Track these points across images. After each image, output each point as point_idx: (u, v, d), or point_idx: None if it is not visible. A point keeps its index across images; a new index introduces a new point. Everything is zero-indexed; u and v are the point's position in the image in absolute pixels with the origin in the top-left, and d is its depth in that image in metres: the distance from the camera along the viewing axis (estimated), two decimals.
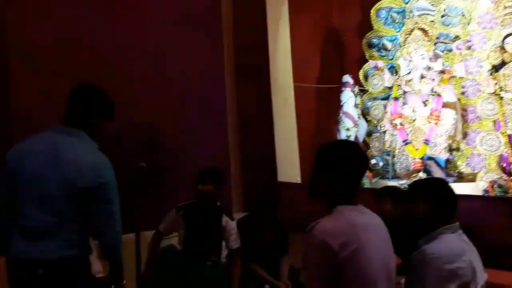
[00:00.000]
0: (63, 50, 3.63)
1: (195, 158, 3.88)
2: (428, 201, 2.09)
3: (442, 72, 5.17)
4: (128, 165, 3.30)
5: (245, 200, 4.93)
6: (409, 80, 5.34)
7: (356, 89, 5.92)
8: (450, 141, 5.07)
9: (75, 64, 3.66)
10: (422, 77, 5.22)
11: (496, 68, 4.86)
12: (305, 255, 1.66)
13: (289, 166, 4.94)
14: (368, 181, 5.63)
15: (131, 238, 3.42)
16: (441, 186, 2.17)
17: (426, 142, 5.09)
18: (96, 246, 2.12)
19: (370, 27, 5.76)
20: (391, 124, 5.45)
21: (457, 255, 1.96)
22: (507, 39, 4.77)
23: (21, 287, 1.96)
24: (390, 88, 5.68)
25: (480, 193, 4.57)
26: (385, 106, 5.69)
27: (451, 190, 2.14)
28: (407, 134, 5.29)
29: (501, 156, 4.81)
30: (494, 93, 4.85)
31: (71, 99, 2.08)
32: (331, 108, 6.08)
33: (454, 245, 2.00)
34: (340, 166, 1.71)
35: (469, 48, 5.04)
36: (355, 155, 1.74)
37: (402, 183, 5.22)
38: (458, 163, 5.06)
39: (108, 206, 1.98)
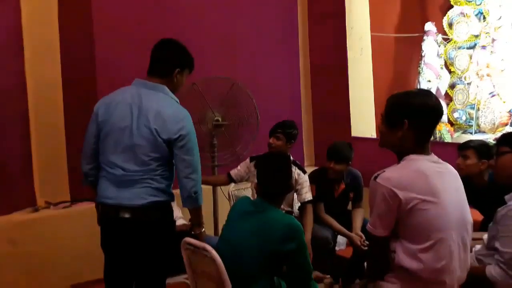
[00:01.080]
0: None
1: (268, 111, 3.91)
2: None
3: None
4: (204, 119, 3.44)
5: (316, 155, 4.93)
6: (499, 27, 4.90)
7: (440, 37, 5.54)
8: None
9: (156, 19, 3.79)
10: None
11: None
12: (371, 203, 1.66)
13: (364, 121, 4.81)
14: (449, 135, 5.37)
15: (209, 188, 3.60)
16: None
17: None
18: (176, 194, 2.23)
19: None
20: (477, 75, 5.09)
21: None
22: None
23: (110, 231, 2.15)
24: (477, 36, 5.26)
25: None
26: (471, 56, 5.30)
27: None
28: (494, 85, 4.92)
29: None
30: None
31: (154, 52, 2.20)
32: (412, 59, 5.76)
33: None
34: (409, 116, 1.67)
35: None
36: (426, 104, 1.68)
37: (487, 137, 4.94)
38: None
39: (188, 156, 2.08)
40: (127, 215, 2.06)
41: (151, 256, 2.12)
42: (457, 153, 2.80)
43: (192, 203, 2.16)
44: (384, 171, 1.67)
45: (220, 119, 3.46)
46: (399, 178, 1.64)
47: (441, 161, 1.76)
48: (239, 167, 3.24)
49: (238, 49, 4.29)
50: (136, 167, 2.06)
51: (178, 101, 2.20)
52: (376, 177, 1.67)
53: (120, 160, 2.08)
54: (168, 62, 2.19)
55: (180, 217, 3.10)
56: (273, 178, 2.13)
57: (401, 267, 1.64)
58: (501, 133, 2.16)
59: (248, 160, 3.20)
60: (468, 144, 2.77)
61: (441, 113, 1.74)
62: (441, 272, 1.61)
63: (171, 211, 2.21)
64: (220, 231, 2.38)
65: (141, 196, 2.05)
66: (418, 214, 1.59)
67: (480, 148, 2.71)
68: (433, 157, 1.74)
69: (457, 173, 1.79)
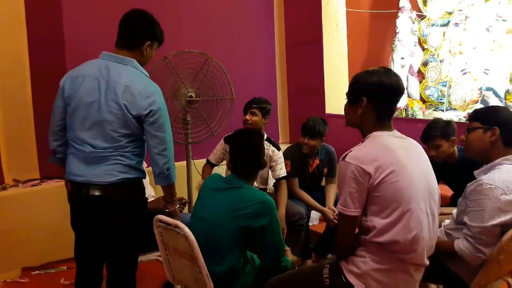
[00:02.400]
0: None
1: (243, 88, 3.88)
2: (492, 123, 1.99)
3: None
4: (177, 95, 3.37)
5: (291, 132, 4.94)
6: (472, 4, 4.95)
7: (414, 14, 5.57)
8: (511, 71, 4.75)
9: None
10: (486, 0, 4.82)
11: None
12: (340, 184, 1.68)
13: (338, 98, 4.82)
14: (421, 112, 5.45)
15: (183, 165, 3.57)
16: (503, 112, 2.05)
17: (486, 71, 4.79)
18: (149, 171, 2.18)
19: None
20: (450, 52, 5.15)
21: None
22: None
23: (80, 209, 2.10)
24: (451, 13, 5.31)
25: None
26: (444, 33, 5.36)
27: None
28: (466, 63, 5.00)
29: None
30: None
31: (123, 24, 2.11)
32: (386, 36, 5.79)
33: None
34: (367, 93, 1.72)
35: None
36: (383, 81, 1.71)
37: (457, 114, 5.03)
38: None
39: (160, 133, 2.02)
40: (97, 193, 2.01)
41: (122, 235, 2.08)
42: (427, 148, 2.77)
43: (165, 180, 2.11)
44: (351, 150, 1.70)
45: (193, 95, 3.40)
46: (366, 154, 1.66)
47: (404, 136, 1.80)
48: (215, 150, 3.20)
49: (213, 24, 4.20)
50: (105, 144, 2.00)
51: (148, 75, 2.12)
52: (344, 157, 1.69)
53: (89, 136, 2.01)
54: (138, 35, 2.09)
55: (153, 195, 3.07)
56: (246, 154, 2.11)
57: (371, 242, 1.66)
58: (472, 110, 2.20)
59: (222, 141, 3.17)
60: (432, 135, 2.73)
61: (399, 90, 1.76)
62: (412, 242, 1.65)
63: (142, 189, 2.16)
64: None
65: (110, 173, 2.00)
66: (387, 187, 1.62)
67: (444, 131, 2.71)
68: (396, 133, 1.78)
69: (419, 145, 1.83)
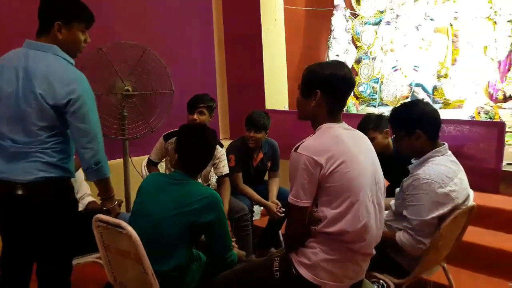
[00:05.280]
0: None
1: (182, 82, 3.78)
2: (413, 127, 2.07)
3: None
4: (113, 88, 3.22)
5: (231, 128, 4.91)
6: (403, 3, 5.17)
7: (348, 12, 5.73)
8: (439, 67, 5.02)
9: None
10: (415, 0, 5.06)
11: None
12: (292, 175, 1.67)
13: (277, 93, 4.86)
14: (354, 108, 5.63)
15: (120, 163, 3.42)
16: (416, 111, 2.12)
17: (416, 68, 5.04)
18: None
19: None
20: (382, 49, 5.35)
21: (449, 177, 2.00)
22: None
23: (2, 209, 1.91)
24: (383, 12, 5.52)
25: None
26: (376, 32, 5.56)
27: (433, 111, 2.13)
28: (397, 60, 5.22)
29: (488, 82, 4.79)
30: (488, 18, 4.74)
31: (40, 8, 1.91)
32: (322, 33, 5.91)
33: (445, 169, 2.02)
34: (321, 86, 1.72)
35: None
36: (336, 74, 1.72)
37: (389, 110, 5.24)
38: (446, 90, 5.05)
39: (84, 124, 1.84)
40: (19, 192, 1.83)
41: (48, 237, 1.91)
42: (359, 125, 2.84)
43: (95, 175, 1.93)
44: (303, 141, 1.69)
45: (130, 88, 3.26)
46: (318, 145, 1.67)
47: (352, 128, 1.83)
48: (155, 149, 3.08)
49: (150, 16, 4.06)
50: (26, 139, 1.82)
51: (73, 63, 1.93)
52: (296, 149, 1.68)
53: (8, 130, 1.83)
54: (46, 16, 1.88)
55: (89, 194, 2.90)
56: (198, 150, 2.04)
57: (322, 232, 1.67)
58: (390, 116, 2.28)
59: (161, 139, 3.05)
60: (366, 128, 2.80)
61: (352, 83, 1.79)
62: (361, 232, 1.68)
63: (67, 188, 1.97)
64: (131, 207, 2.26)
65: (28, 171, 1.82)
66: (338, 177, 1.63)
67: (376, 123, 2.77)
68: (345, 124, 1.80)
69: (365, 136, 1.87)
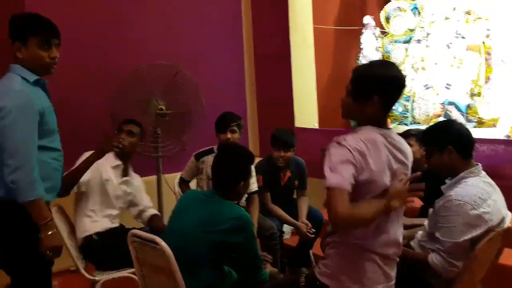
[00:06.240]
0: None
1: (213, 100, 3.86)
2: (445, 143, 2.06)
3: (468, 13, 4.95)
4: (147, 107, 3.32)
5: (261, 145, 4.94)
6: (433, 22, 5.14)
7: (377, 31, 5.73)
8: (472, 86, 4.94)
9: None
10: (446, 18, 5.02)
11: None
12: (334, 161, 1.60)
13: (307, 111, 4.88)
14: None
15: (153, 179, 3.50)
16: (450, 129, 2.12)
17: (448, 86, 4.97)
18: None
19: None
20: (412, 67, 5.32)
21: (482, 199, 1.97)
22: None
23: None
24: (413, 30, 5.50)
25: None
26: (406, 50, 5.53)
27: (466, 130, 2.12)
28: (428, 78, 5.17)
29: None
30: None
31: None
32: (351, 52, 5.92)
33: (478, 190, 1.99)
34: (378, 90, 1.66)
35: None
36: (393, 76, 1.68)
37: (421, 128, 5.17)
38: (479, 108, 4.95)
39: (2, 138, 1.77)
40: None
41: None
42: None
43: (17, 196, 1.77)
44: (345, 138, 1.63)
45: (164, 107, 3.35)
46: (359, 142, 1.61)
47: (398, 136, 1.78)
48: (187, 167, 3.15)
49: (182, 37, 4.19)
50: None
51: (30, 80, 1.86)
52: (339, 142, 1.61)
53: None
54: (10, 36, 1.89)
55: (149, 206, 2.91)
56: (228, 169, 2.07)
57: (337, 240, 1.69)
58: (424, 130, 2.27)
59: (193, 158, 3.12)
60: (409, 132, 2.87)
61: (405, 83, 1.74)
62: (385, 244, 1.68)
63: (11, 211, 1.83)
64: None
65: None
66: (366, 180, 1.61)
67: (419, 136, 2.80)
68: (391, 131, 1.75)
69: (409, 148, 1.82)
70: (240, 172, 2.09)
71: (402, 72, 1.72)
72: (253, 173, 3.10)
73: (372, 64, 1.76)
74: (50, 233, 1.84)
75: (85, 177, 2.57)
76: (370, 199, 1.62)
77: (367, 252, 1.69)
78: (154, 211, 2.89)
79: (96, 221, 2.66)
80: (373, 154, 1.62)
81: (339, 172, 1.55)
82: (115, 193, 2.75)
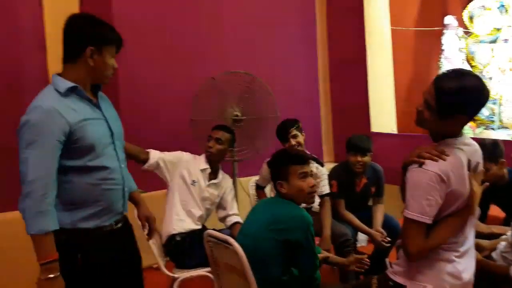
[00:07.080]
0: None
1: (287, 106, 3.91)
2: None
3: None
4: (223, 113, 3.45)
5: (335, 151, 4.91)
6: None
7: (460, 31, 5.47)
8: None
9: (175, 15, 3.81)
10: None
11: None
12: (415, 189, 1.58)
13: (384, 116, 4.77)
14: (471, 131, 5.29)
15: None
16: None
17: None
18: None
19: None
20: (499, 69, 5.00)
21: None
22: None
23: None
24: (499, 29, 5.18)
25: None
26: (492, 50, 5.22)
27: None
28: None
29: None
30: None
31: (66, 31, 1.71)
32: (432, 53, 5.70)
33: None
34: (468, 110, 1.58)
35: None
36: (480, 93, 1.56)
37: (509, 133, 4.86)
38: None
39: (22, 150, 1.57)
40: None
41: None
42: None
43: (21, 210, 1.58)
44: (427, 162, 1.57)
45: (239, 114, 3.46)
46: (444, 164, 1.56)
47: (471, 141, 1.72)
48: (260, 174, 3.23)
49: (257, 44, 4.29)
50: None
51: (62, 91, 1.64)
52: (421, 165, 1.56)
53: None
54: (76, 40, 1.68)
55: (234, 214, 2.99)
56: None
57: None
58: None
59: (265, 166, 3.17)
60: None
61: (488, 96, 1.61)
62: (461, 244, 1.65)
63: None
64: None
65: None
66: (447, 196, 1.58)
67: (491, 153, 2.51)
68: (465, 138, 1.69)
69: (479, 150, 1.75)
70: (275, 173, 2.16)
71: (484, 85, 1.57)
72: (325, 175, 3.10)
73: (461, 78, 1.57)
74: (49, 276, 1.55)
75: (175, 171, 2.83)
76: (448, 217, 1.61)
77: (444, 251, 1.65)
78: (238, 218, 2.96)
79: (181, 219, 2.80)
80: (456, 173, 1.57)
81: (420, 202, 1.55)
82: (202, 195, 2.88)
